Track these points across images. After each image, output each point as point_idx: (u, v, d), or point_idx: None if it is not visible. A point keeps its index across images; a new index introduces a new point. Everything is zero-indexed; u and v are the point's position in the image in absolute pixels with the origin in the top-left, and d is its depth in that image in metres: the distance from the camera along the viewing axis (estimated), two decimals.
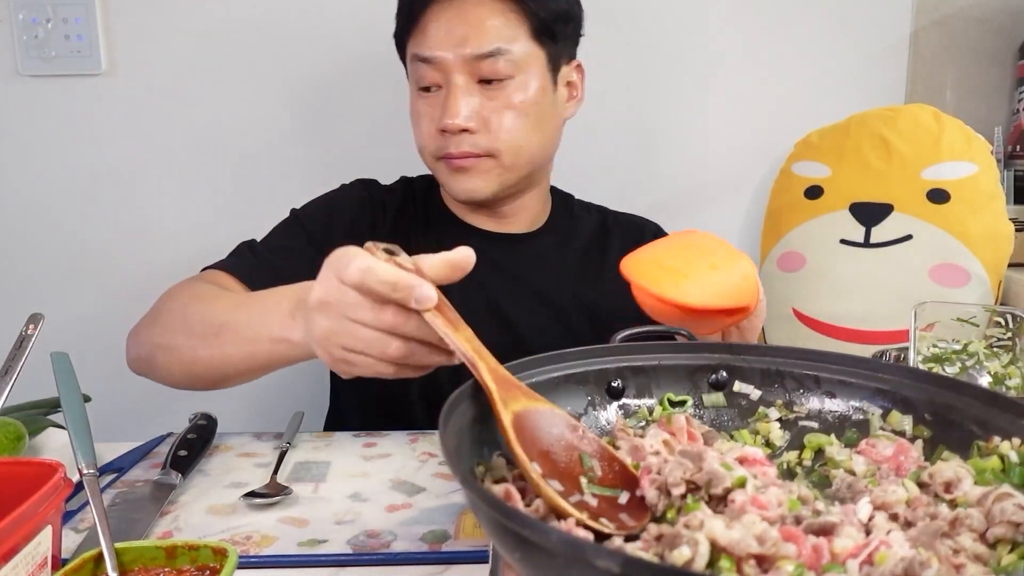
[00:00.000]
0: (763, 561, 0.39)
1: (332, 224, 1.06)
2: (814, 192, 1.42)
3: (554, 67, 1.02)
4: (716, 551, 0.39)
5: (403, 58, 1.05)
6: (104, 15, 1.48)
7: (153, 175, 1.54)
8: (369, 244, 0.59)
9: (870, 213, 1.35)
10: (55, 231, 1.55)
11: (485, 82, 0.97)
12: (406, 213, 1.11)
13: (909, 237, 1.32)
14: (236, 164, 1.52)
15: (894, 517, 0.46)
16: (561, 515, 0.45)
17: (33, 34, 1.46)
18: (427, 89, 0.99)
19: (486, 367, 0.51)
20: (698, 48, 1.53)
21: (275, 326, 0.69)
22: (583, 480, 0.49)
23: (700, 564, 0.38)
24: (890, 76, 1.54)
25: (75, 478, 0.57)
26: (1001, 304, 1.36)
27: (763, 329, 1.46)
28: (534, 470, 0.46)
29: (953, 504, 0.47)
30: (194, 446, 0.83)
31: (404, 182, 1.17)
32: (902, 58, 1.54)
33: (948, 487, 0.49)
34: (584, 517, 0.44)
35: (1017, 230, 1.35)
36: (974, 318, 0.83)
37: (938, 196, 1.32)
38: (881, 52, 1.54)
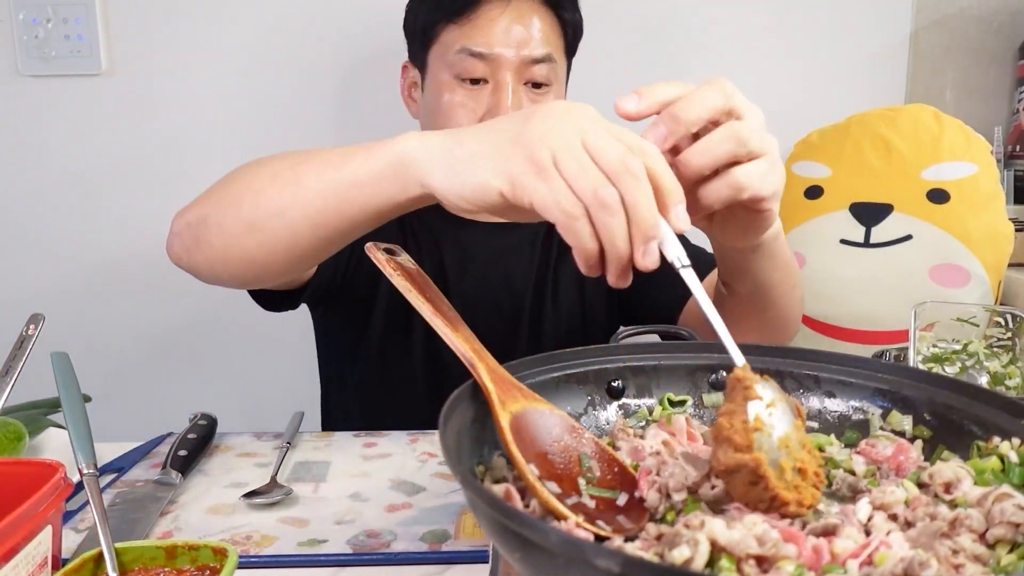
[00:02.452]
0: (763, 561, 0.39)
1: None
2: (814, 192, 1.42)
3: (567, 79, 1.08)
4: (716, 551, 0.39)
5: (423, 44, 1.03)
6: (104, 15, 1.48)
7: (153, 175, 1.54)
8: (369, 244, 0.58)
9: (870, 213, 1.35)
10: (55, 231, 1.56)
11: (533, 85, 1.00)
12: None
13: (909, 237, 1.32)
14: (236, 164, 1.52)
15: (893, 517, 0.46)
16: (558, 517, 0.45)
17: (33, 34, 1.46)
18: (472, 81, 0.99)
19: (485, 367, 0.51)
20: (698, 48, 1.53)
21: (382, 149, 0.61)
22: (581, 481, 0.49)
23: (700, 563, 0.38)
24: (890, 76, 1.54)
25: (75, 478, 0.57)
26: (1001, 304, 1.36)
27: None
28: (531, 472, 0.46)
29: (953, 504, 0.47)
30: (194, 446, 0.83)
31: None
32: (902, 58, 1.54)
33: (948, 487, 0.49)
34: (580, 520, 0.44)
35: (1017, 230, 1.35)
36: (974, 318, 0.83)
37: (938, 196, 1.32)
38: (881, 52, 1.54)
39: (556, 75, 1.02)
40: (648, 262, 0.49)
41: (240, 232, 0.69)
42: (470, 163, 0.54)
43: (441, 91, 1.01)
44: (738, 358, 0.48)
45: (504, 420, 0.48)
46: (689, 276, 0.50)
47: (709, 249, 0.77)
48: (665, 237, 0.50)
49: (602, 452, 0.52)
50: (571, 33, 1.05)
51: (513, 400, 0.50)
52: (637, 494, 0.49)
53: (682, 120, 0.53)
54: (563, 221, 0.49)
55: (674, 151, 0.55)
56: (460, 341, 0.52)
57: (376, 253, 0.59)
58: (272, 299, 0.99)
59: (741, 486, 0.44)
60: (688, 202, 0.52)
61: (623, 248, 0.49)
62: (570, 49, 1.06)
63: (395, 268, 0.58)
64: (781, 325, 0.84)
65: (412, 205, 0.62)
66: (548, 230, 1.11)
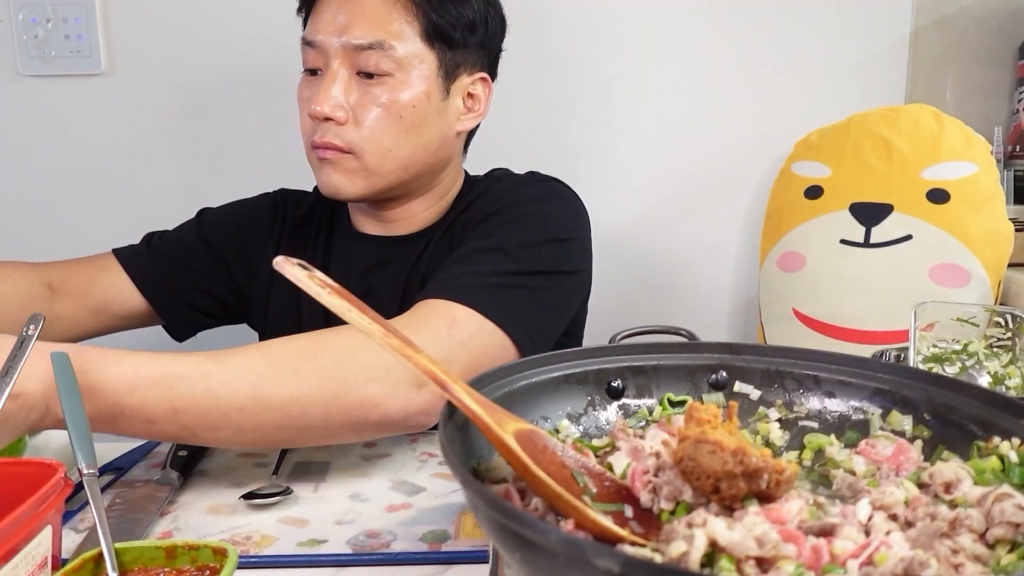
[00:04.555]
0: (763, 561, 0.39)
1: (225, 228, 1.10)
2: (814, 192, 1.42)
3: (447, 74, 0.96)
4: (716, 551, 0.39)
5: None
6: (104, 15, 1.48)
7: (153, 175, 1.54)
8: (280, 259, 0.50)
9: (870, 213, 1.35)
10: (55, 231, 1.56)
11: (366, 76, 0.92)
12: (310, 222, 1.11)
13: (909, 237, 1.32)
14: (236, 164, 1.52)
15: (893, 517, 0.46)
16: (616, 541, 0.43)
17: (33, 34, 1.46)
18: (312, 72, 0.97)
19: (462, 389, 0.46)
20: (698, 48, 1.53)
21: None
22: (586, 499, 0.46)
23: (695, 557, 0.38)
24: (890, 76, 1.54)
25: (75, 478, 0.57)
26: (1001, 304, 1.36)
27: (763, 329, 1.47)
28: (576, 499, 0.43)
29: (953, 504, 0.47)
30: (194, 446, 0.83)
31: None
32: (902, 58, 1.54)
33: (948, 487, 0.49)
34: (636, 538, 0.43)
35: (1017, 230, 1.35)
36: (974, 318, 0.83)
37: (938, 196, 1.32)
38: (881, 52, 1.54)
39: (400, 64, 0.92)
40: None
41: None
42: None
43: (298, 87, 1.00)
44: None
45: (512, 442, 0.45)
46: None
47: None
48: None
49: (590, 468, 0.50)
50: (436, 18, 0.93)
51: (505, 420, 0.47)
52: (643, 504, 0.48)
53: None
54: None
55: None
56: (426, 361, 0.47)
57: (291, 269, 0.49)
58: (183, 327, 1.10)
59: (705, 457, 0.44)
60: None
61: None
62: (440, 36, 0.94)
63: (322, 285, 0.48)
64: None
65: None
66: (423, 250, 1.03)
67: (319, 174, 0.97)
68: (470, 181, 1.10)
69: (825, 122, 1.46)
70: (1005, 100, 1.55)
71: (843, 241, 1.37)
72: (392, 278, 1.03)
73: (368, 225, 1.07)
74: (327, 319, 0.91)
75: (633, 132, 1.55)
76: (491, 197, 1.01)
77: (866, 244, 1.35)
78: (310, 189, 1.13)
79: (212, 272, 1.09)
